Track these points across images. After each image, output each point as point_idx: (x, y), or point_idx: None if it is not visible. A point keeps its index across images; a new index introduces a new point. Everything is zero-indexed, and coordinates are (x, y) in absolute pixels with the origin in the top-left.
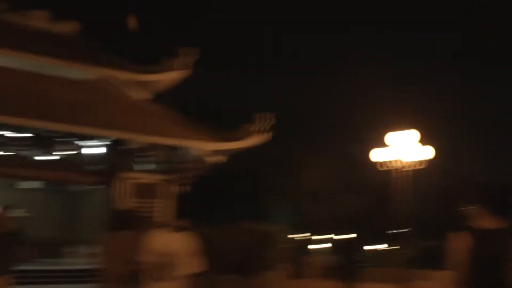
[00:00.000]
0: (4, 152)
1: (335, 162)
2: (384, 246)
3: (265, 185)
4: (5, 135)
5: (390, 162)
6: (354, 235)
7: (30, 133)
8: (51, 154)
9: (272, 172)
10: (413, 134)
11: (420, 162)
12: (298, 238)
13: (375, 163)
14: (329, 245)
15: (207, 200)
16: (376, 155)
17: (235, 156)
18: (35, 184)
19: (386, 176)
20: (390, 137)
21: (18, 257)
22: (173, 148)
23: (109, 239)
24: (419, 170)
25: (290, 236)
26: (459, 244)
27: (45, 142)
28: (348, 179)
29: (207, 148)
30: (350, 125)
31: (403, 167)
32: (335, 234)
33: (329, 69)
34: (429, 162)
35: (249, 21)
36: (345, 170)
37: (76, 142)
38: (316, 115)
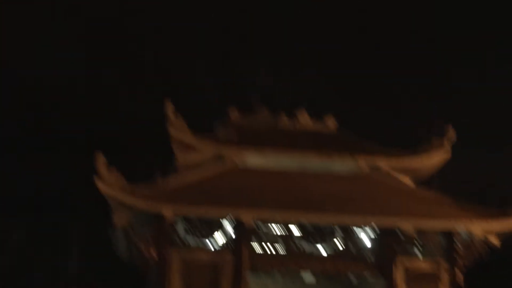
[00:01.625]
0: (284, 247)
1: None
2: None
3: None
4: (284, 231)
5: None
6: None
7: (305, 227)
8: (326, 246)
9: None
10: None
11: None
12: None
13: None
14: None
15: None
16: None
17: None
18: (313, 278)
19: None
20: None
21: None
22: (446, 232)
23: None
24: None
25: None
26: None
27: (320, 235)
28: None
29: (480, 230)
30: None
31: None
32: None
33: None
34: None
35: None
36: None
37: (349, 232)
38: None
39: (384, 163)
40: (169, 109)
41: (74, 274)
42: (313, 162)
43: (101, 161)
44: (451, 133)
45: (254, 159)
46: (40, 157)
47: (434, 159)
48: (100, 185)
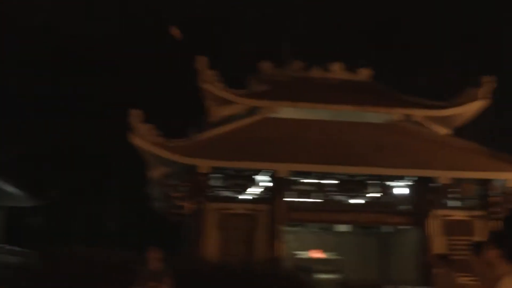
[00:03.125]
0: (319, 198)
1: None
2: None
3: None
4: (319, 182)
5: None
6: None
7: (340, 179)
8: (361, 197)
9: None
10: None
11: None
12: None
13: None
14: None
15: None
16: None
17: None
18: (348, 227)
19: None
20: None
21: None
22: (481, 182)
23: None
24: None
25: None
26: None
27: (355, 186)
28: None
29: None
30: None
31: None
32: None
33: None
34: None
35: None
36: None
37: (384, 183)
38: None
39: (418, 113)
40: (201, 63)
41: (113, 230)
42: (347, 113)
43: (135, 116)
44: (488, 84)
45: (288, 111)
46: (75, 117)
47: (469, 109)
48: (135, 140)
